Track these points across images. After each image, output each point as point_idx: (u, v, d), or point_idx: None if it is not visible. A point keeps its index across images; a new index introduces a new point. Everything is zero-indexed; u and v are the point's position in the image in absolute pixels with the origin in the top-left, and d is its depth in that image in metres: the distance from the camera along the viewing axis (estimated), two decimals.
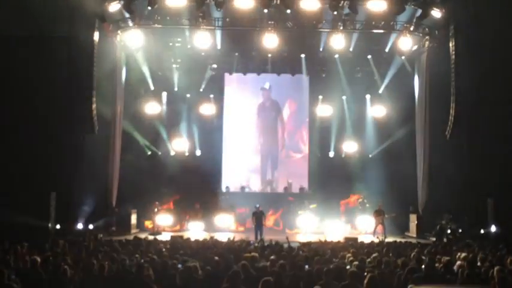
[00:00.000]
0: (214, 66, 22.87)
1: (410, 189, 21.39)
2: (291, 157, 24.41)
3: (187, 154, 23.68)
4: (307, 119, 24.42)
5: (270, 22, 19.36)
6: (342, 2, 17.70)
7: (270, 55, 21.90)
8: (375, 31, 20.01)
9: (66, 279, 8.42)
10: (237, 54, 22.53)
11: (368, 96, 24.01)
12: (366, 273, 8.41)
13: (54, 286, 8.26)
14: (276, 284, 7.62)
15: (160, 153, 23.46)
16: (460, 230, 19.34)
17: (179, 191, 22.49)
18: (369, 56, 22.32)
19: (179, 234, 18.82)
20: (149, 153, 23.30)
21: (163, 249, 12.39)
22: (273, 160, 24.31)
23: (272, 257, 10.71)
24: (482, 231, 18.90)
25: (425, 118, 20.53)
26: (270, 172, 24.29)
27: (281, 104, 24.46)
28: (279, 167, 24.28)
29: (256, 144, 24.30)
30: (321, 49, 21.50)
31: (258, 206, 20.17)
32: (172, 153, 23.53)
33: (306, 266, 9.79)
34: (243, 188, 23.75)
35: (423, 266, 9.66)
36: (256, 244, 14.22)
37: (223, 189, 23.55)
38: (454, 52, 18.98)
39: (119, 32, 19.69)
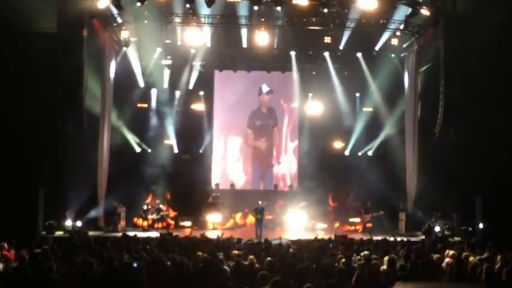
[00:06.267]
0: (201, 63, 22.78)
1: (399, 187, 21.47)
2: (281, 155, 24.42)
3: (176, 151, 23.60)
4: (297, 116, 24.41)
5: (260, 19, 19.36)
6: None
7: (260, 52, 21.88)
8: (365, 29, 20.07)
9: (54, 276, 8.36)
10: (227, 51, 22.49)
11: (358, 94, 24.04)
12: (354, 271, 8.44)
13: (42, 284, 8.20)
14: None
15: (149, 150, 23.35)
16: (449, 228, 19.47)
17: (168, 188, 22.39)
18: (359, 54, 22.37)
19: (168, 231, 18.82)
20: (138, 150, 23.19)
21: (153, 247, 12.38)
22: (266, 161, 24.27)
23: (263, 254, 10.73)
24: (470, 228, 19.02)
25: (414, 116, 20.62)
26: (262, 171, 24.25)
27: (272, 102, 24.41)
28: (270, 166, 24.28)
29: (249, 143, 24.25)
30: (311, 47, 21.51)
31: (260, 202, 20.00)
32: (161, 150, 23.42)
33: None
34: (232, 185, 23.73)
35: (410, 264, 9.71)
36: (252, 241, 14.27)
37: (213, 186, 23.52)
38: (443, 50, 19.07)
39: (108, 28, 19.60)
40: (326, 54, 22.19)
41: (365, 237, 17.18)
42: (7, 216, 16.08)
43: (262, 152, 24.26)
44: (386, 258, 9.80)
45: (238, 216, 22.55)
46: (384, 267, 9.43)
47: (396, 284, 7.72)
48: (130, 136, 22.75)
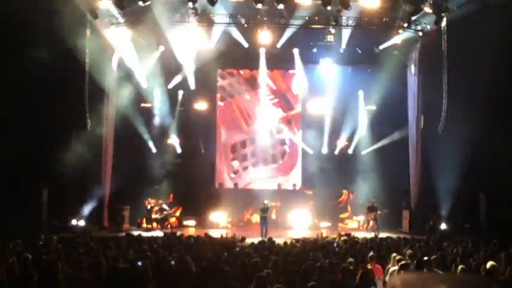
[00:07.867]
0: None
1: (403, 185, 21.44)
2: (284, 154, 24.41)
3: (180, 151, 23.60)
4: (300, 115, 24.39)
5: (263, 18, 19.34)
6: None
7: (263, 50, 21.85)
8: (368, 27, 20.04)
9: (59, 276, 8.38)
10: (230, 49, 22.46)
11: (361, 93, 23.97)
12: (358, 269, 8.44)
13: (47, 284, 8.23)
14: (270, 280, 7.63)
15: (153, 150, 23.34)
16: (452, 225, 19.46)
17: (172, 188, 22.41)
18: (361, 52, 22.32)
19: (172, 230, 18.85)
20: (142, 150, 23.18)
21: (157, 246, 12.39)
22: (269, 161, 24.27)
23: (266, 253, 10.74)
24: (474, 226, 19.00)
25: (417, 114, 20.59)
26: (264, 170, 24.25)
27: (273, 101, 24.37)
28: (272, 164, 24.29)
29: (250, 143, 24.26)
30: (313, 45, 21.47)
31: (266, 202, 19.90)
32: (165, 150, 23.44)
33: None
34: (236, 184, 23.73)
35: (415, 262, 9.70)
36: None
37: (217, 185, 23.53)
38: (446, 48, 19.04)
39: (110, 28, 19.59)
40: (328, 52, 22.13)
41: (369, 236, 17.18)
42: (11, 216, 16.11)
43: (265, 153, 24.25)
44: (390, 256, 9.80)
45: (242, 215, 22.57)
46: (389, 265, 9.43)
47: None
48: (134, 136, 22.71)
